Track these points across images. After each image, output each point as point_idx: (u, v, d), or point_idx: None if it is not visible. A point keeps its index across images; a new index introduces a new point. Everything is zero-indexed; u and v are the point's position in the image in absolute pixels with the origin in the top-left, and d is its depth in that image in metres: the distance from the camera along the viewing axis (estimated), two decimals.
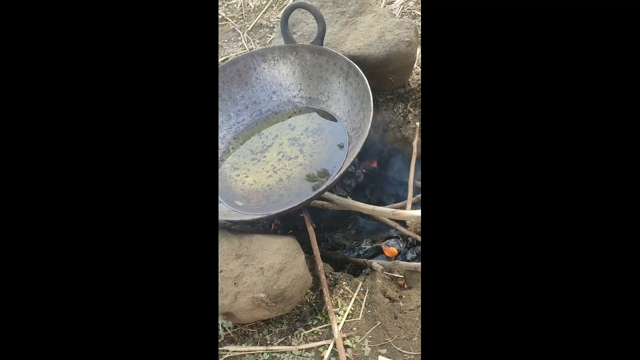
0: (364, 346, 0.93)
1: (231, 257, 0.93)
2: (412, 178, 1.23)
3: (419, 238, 1.17)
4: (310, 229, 1.14)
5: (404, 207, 1.19)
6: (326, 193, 1.18)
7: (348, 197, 1.21)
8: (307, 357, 0.94)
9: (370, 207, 1.11)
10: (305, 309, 1.02)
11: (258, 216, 1.01)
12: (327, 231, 1.29)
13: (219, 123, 1.23)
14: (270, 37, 1.67)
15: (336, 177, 0.98)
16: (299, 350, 0.95)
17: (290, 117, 1.24)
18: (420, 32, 1.25)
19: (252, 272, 0.92)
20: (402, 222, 1.19)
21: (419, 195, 1.23)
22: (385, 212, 1.11)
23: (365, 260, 1.18)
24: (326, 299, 0.99)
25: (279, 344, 0.97)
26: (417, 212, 1.05)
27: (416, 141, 1.26)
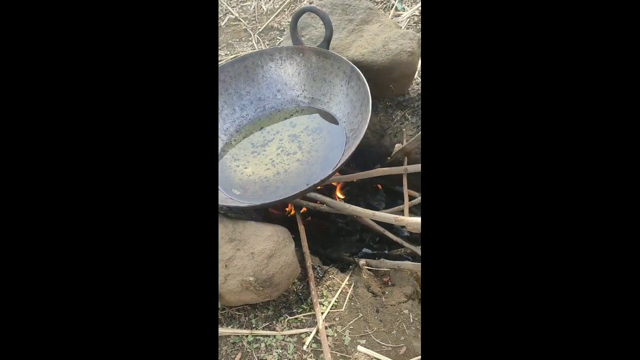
0: (345, 336, 0.97)
1: (224, 240, 0.98)
2: (406, 184, 1.27)
3: (404, 243, 1.21)
4: (301, 227, 1.18)
5: (400, 212, 1.21)
6: (322, 196, 1.22)
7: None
8: (289, 342, 0.98)
9: (370, 212, 1.10)
10: (291, 297, 1.06)
11: (252, 204, 1.06)
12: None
13: (224, 115, 1.28)
14: (279, 39, 1.72)
15: (330, 172, 1.03)
16: (282, 335, 0.99)
17: (292, 115, 1.29)
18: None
19: (243, 256, 0.96)
20: (389, 226, 1.23)
21: (414, 201, 1.27)
22: (387, 217, 1.08)
23: (354, 257, 1.22)
24: (312, 291, 1.03)
25: (263, 329, 1.01)
26: (418, 219, 1.06)
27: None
